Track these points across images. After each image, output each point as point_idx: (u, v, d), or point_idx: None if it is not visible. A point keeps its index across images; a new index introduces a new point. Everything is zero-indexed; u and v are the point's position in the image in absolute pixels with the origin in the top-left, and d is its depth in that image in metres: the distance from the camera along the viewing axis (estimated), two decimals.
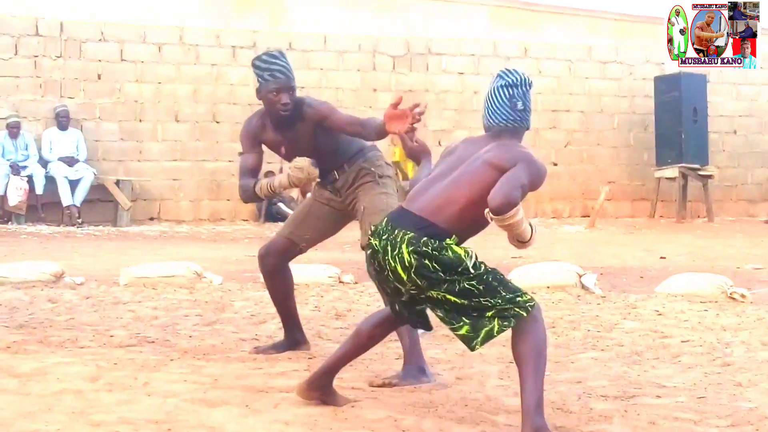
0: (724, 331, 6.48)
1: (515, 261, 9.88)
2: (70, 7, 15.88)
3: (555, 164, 17.63)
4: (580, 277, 8.30)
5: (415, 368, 4.86)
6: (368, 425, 4.02)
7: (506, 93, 4.17)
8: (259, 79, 5.41)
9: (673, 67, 17.63)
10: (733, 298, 7.71)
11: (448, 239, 3.93)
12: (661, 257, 11.43)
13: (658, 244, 13.34)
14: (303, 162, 5.22)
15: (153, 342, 5.90)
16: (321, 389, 4.31)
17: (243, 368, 5.14)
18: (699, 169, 17.37)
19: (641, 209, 18.24)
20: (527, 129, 4.23)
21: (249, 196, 5.46)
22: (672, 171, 17.34)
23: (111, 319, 6.72)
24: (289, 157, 5.38)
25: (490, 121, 4.19)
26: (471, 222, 3.97)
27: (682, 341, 6.09)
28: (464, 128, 17.30)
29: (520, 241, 3.99)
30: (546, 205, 17.51)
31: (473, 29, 17.70)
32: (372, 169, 5.45)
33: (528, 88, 4.21)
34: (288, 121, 5.39)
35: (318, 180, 5.48)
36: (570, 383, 4.94)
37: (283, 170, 5.39)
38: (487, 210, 3.89)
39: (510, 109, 4.16)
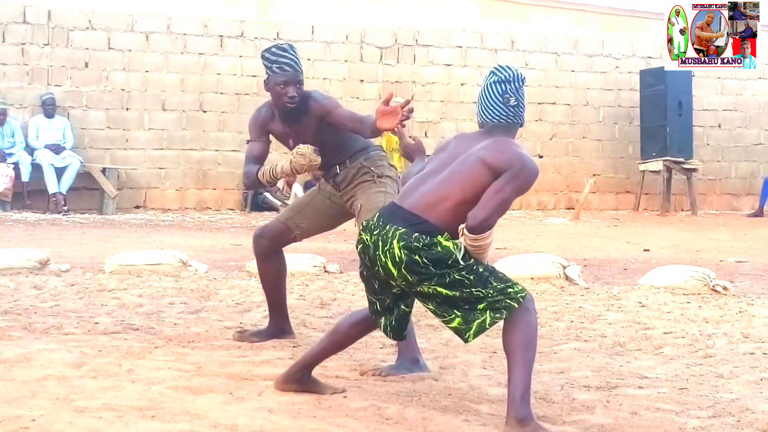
0: (707, 323, 6.52)
1: (499, 252, 9.90)
2: None
3: (540, 156, 17.67)
4: (564, 268, 8.33)
5: (408, 359, 4.89)
6: (352, 413, 4.04)
7: (499, 89, 4.18)
8: (268, 71, 5.45)
9: (659, 61, 17.76)
10: (716, 291, 7.75)
11: (439, 236, 3.95)
12: (645, 250, 11.48)
13: (642, 236, 13.39)
14: (306, 149, 5.28)
15: (138, 329, 5.91)
16: (298, 382, 4.34)
17: (227, 356, 5.16)
18: (683, 163, 17.42)
19: (625, 202, 18.28)
20: (521, 125, 4.24)
21: (252, 182, 5.52)
22: (656, 164, 17.38)
23: (96, 306, 6.73)
24: None
25: (484, 117, 4.21)
26: (462, 220, 3.97)
27: (665, 333, 6.13)
28: (451, 119, 17.34)
29: (475, 255, 4.00)
30: (531, 197, 17.55)
31: (460, 21, 17.71)
32: (372, 168, 5.49)
33: (521, 84, 4.22)
34: (294, 113, 5.45)
35: (322, 173, 5.55)
36: (553, 373, 4.97)
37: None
38: (462, 226, 3.92)
39: (503, 105, 4.17)
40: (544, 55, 18.01)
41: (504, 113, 4.17)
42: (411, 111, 4.79)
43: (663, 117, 17.30)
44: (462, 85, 17.49)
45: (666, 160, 17.26)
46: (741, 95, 19.03)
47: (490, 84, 4.20)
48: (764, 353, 5.56)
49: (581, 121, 18.22)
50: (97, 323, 6.05)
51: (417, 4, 17.58)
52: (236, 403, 4.12)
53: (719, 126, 18.94)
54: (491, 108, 4.18)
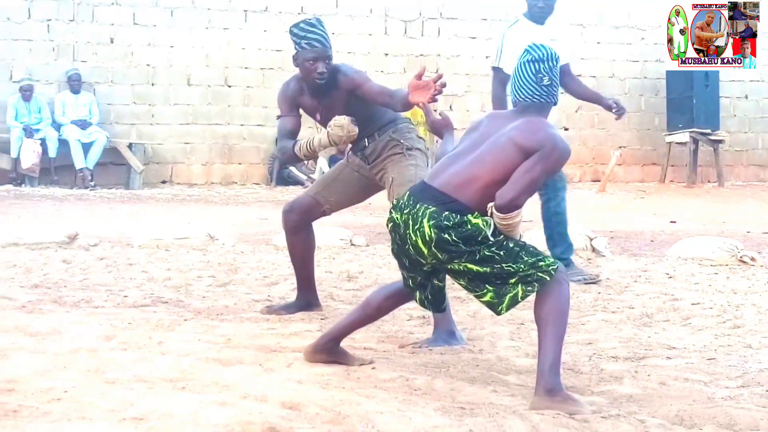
0: (735, 294, 6.51)
1: (527, 225, 9.88)
2: None
3: (566, 129, 17.60)
4: (591, 240, 8.32)
5: (445, 332, 4.91)
6: (380, 384, 4.06)
7: (532, 68, 4.16)
8: (297, 47, 5.44)
9: None
10: (743, 262, 7.73)
11: (469, 215, 3.95)
12: (672, 221, 11.44)
13: (669, 208, 13.35)
14: (343, 120, 5.27)
15: (167, 302, 5.95)
16: (327, 353, 4.37)
17: (256, 328, 5.19)
18: (710, 134, 17.31)
19: (652, 174, 18.20)
20: (554, 104, 4.22)
21: (288, 156, 5.52)
22: (683, 136, 17.28)
23: (125, 279, 6.77)
24: (324, 123, 5.43)
25: (517, 96, 4.19)
26: (492, 200, 3.96)
27: (693, 304, 6.12)
28: (476, 93, 17.27)
29: (505, 232, 4.00)
30: None
31: None
32: (401, 140, 5.48)
33: (555, 63, 4.19)
34: (323, 88, 5.44)
35: (350, 146, 5.55)
36: (581, 344, 4.98)
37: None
38: (491, 204, 3.92)
39: (536, 85, 4.14)
40: (570, 27, 17.91)
41: (537, 92, 4.14)
42: (444, 85, 4.78)
43: (689, 88, 17.18)
44: (487, 57, 17.34)
45: (692, 131, 17.16)
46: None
47: (524, 63, 4.18)
48: None
49: (607, 93, 18.01)
50: (126, 296, 6.09)
51: None
52: (266, 375, 4.14)
53: (746, 97, 18.80)
54: (524, 87, 4.15)
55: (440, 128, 4.59)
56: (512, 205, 3.90)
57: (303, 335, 5.00)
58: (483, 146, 4.06)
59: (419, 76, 4.84)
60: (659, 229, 10.68)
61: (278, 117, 5.67)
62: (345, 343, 4.45)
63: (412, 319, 5.51)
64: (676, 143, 17.52)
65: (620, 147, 17.72)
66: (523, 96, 4.16)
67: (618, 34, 18.14)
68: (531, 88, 4.14)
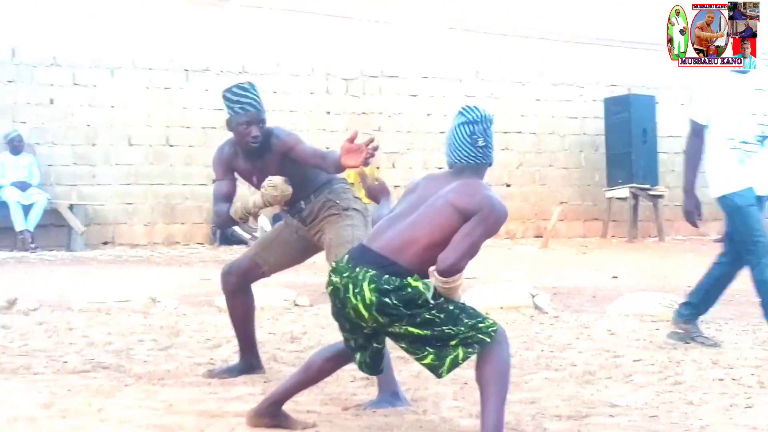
0: (675, 350, 6.56)
1: (469, 281, 9.91)
2: (22, 32, 15.80)
3: (508, 185, 17.73)
4: (534, 297, 8.36)
5: (388, 393, 4.90)
6: None
7: (467, 130, 4.19)
8: (230, 111, 5.45)
9: (622, 89, 17.87)
10: None
11: (409, 277, 3.96)
12: (613, 277, 11.52)
13: (610, 263, 13.44)
14: (276, 180, 5.28)
15: (107, 368, 5.88)
16: (270, 417, 4.34)
17: (198, 393, 5.14)
18: (649, 189, 17.51)
19: (593, 229, 18.35)
20: (489, 165, 4.25)
21: (224, 220, 5.52)
22: (623, 191, 17.47)
23: (65, 344, 6.69)
24: (259, 187, 5.42)
25: (452, 158, 4.22)
26: (432, 262, 3.97)
27: (634, 360, 6.16)
28: (418, 150, 17.36)
29: (445, 296, 4.01)
30: None
31: (426, 52, 17.78)
32: (337, 201, 5.50)
33: (489, 124, 4.23)
34: (257, 151, 5.46)
35: (287, 208, 5.55)
36: (524, 403, 4.99)
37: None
38: (432, 268, 3.93)
39: (471, 146, 4.18)
40: (510, 84, 18.10)
41: (473, 154, 4.18)
42: (376, 149, 4.82)
43: (628, 144, 17.40)
44: (428, 115, 17.53)
45: (632, 187, 17.35)
46: None
47: (458, 125, 4.21)
48: (733, 379, 5.60)
49: (547, 150, 18.30)
50: (66, 362, 6.02)
51: (382, 36, 17.64)
52: None
53: (684, 152, 19.04)
54: (460, 149, 4.19)
55: (377, 194, 4.61)
56: (454, 270, 3.92)
57: (245, 399, 4.96)
58: (421, 208, 4.07)
59: (351, 140, 4.87)
60: (601, 284, 10.74)
61: (213, 181, 5.68)
62: (288, 407, 4.42)
63: (355, 380, 5.49)
64: (617, 198, 17.70)
65: (561, 203, 17.88)
66: (458, 157, 4.19)
67: (557, 91, 18.35)
68: (466, 149, 4.18)
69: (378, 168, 4.79)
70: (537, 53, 18.42)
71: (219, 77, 16.28)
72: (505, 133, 17.62)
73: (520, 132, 18.05)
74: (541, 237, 17.13)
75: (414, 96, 17.57)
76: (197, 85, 16.40)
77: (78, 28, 16.07)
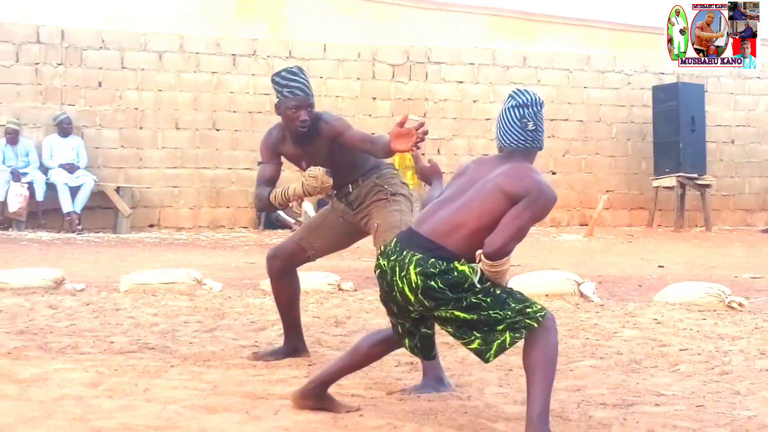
0: (722, 339, 6.50)
1: (514, 269, 9.89)
2: (71, 14, 15.92)
3: (553, 173, 17.66)
4: (579, 285, 8.32)
5: (433, 378, 4.89)
6: None
7: (517, 113, 4.16)
8: (279, 95, 5.45)
9: (671, 77, 17.73)
10: (731, 307, 7.73)
11: (455, 261, 3.94)
12: (659, 266, 11.45)
13: (656, 253, 13.36)
14: (317, 171, 5.28)
15: (153, 348, 5.91)
16: (314, 398, 4.34)
17: (243, 375, 5.16)
18: (697, 179, 17.39)
19: (639, 218, 18.25)
20: (540, 149, 4.21)
21: (264, 204, 5.52)
22: (670, 180, 17.36)
23: (111, 325, 6.73)
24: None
25: (502, 141, 4.18)
26: (479, 246, 3.96)
27: (681, 350, 6.11)
28: (463, 137, 17.34)
29: (492, 280, 3.99)
30: None
31: (472, 38, 17.74)
32: (385, 186, 5.49)
33: (539, 108, 4.19)
34: (306, 136, 5.45)
35: (335, 192, 5.55)
36: (569, 391, 4.96)
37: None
38: (479, 252, 3.91)
39: (521, 130, 4.14)
40: (556, 72, 18.02)
41: (522, 138, 4.14)
42: (425, 133, 4.80)
43: (676, 133, 17.29)
44: (474, 102, 17.50)
45: (679, 176, 17.24)
46: (754, 111, 19.00)
47: (509, 108, 4.18)
48: None
49: (594, 138, 18.21)
50: (112, 342, 6.06)
51: (428, 21, 17.63)
52: (252, 422, 4.12)
53: (732, 141, 18.90)
54: (510, 133, 4.15)
55: (429, 175, 4.60)
56: (501, 253, 3.90)
57: (290, 381, 4.97)
58: (469, 192, 4.05)
59: (401, 124, 4.85)
60: (647, 273, 10.68)
61: (259, 163, 5.68)
62: (332, 390, 4.42)
63: (399, 365, 5.48)
64: (664, 187, 17.58)
65: (607, 191, 17.78)
66: (508, 141, 4.16)
67: (604, 79, 18.24)
68: (516, 133, 4.14)
69: (423, 154, 4.77)
70: (584, 41, 18.33)
71: (265, 62, 16.32)
72: (552, 120, 17.55)
73: (566, 120, 17.98)
74: (587, 225, 17.06)
75: (460, 83, 17.53)
76: (244, 70, 16.44)
77: (127, 11, 16.16)
